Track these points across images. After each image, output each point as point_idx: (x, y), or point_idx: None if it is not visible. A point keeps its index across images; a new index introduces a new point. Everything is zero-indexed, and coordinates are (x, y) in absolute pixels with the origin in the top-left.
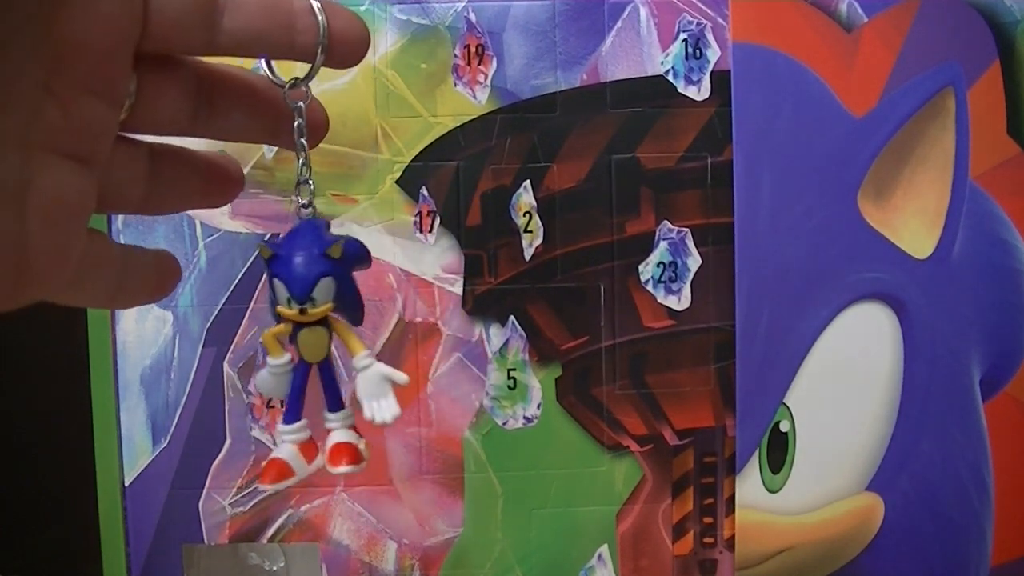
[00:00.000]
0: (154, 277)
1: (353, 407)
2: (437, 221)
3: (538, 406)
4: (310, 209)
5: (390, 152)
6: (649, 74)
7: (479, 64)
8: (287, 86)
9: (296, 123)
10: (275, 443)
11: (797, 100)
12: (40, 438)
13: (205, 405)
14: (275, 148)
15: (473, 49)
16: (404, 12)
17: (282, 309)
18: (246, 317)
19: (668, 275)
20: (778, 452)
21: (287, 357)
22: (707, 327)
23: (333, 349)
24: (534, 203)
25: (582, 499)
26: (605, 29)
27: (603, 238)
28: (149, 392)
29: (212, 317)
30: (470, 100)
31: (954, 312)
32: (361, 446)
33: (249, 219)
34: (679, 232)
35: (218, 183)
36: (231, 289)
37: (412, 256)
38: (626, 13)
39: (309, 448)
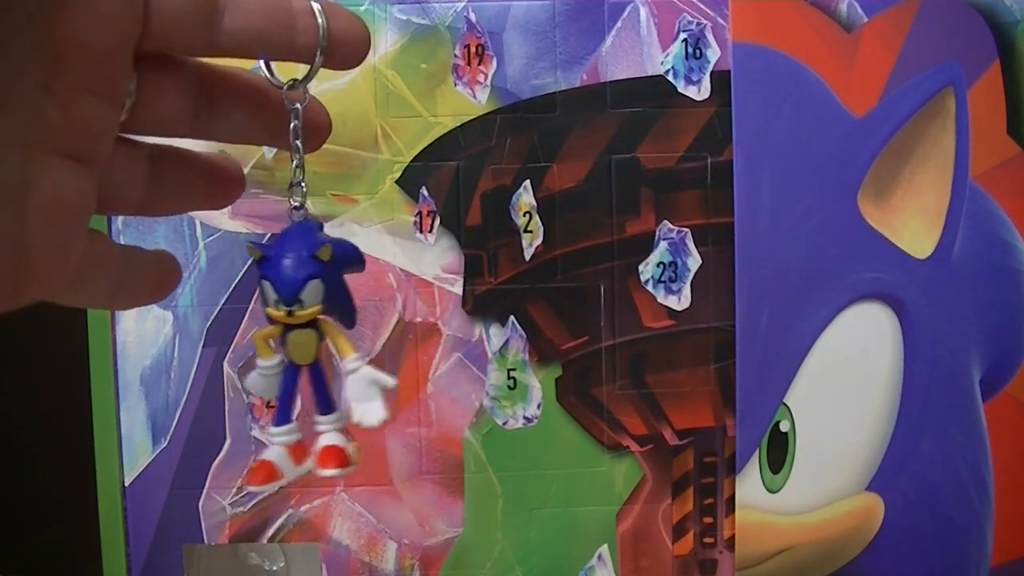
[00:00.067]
0: (155, 278)
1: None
2: (437, 221)
3: (538, 406)
4: (302, 211)
5: (390, 152)
6: (649, 74)
7: (479, 64)
8: (285, 87)
9: (292, 124)
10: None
11: (797, 100)
12: (40, 438)
13: (205, 405)
14: (275, 148)
15: (473, 49)
16: (404, 12)
17: (271, 311)
18: (246, 317)
19: (668, 275)
20: (778, 452)
21: (277, 359)
22: (707, 327)
23: (333, 351)
24: (534, 203)
25: (582, 499)
26: (605, 29)
27: (603, 238)
28: (149, 392)
29: (212, 317)
30: (470, 100)
31: (954, 312)
32: (350, 449)
33: (249, 219)
34: (679, 232)
35: (219, 184)
36: (231, 289)
37: (412, 256)
38: (626, 13)
39: (298, 450)
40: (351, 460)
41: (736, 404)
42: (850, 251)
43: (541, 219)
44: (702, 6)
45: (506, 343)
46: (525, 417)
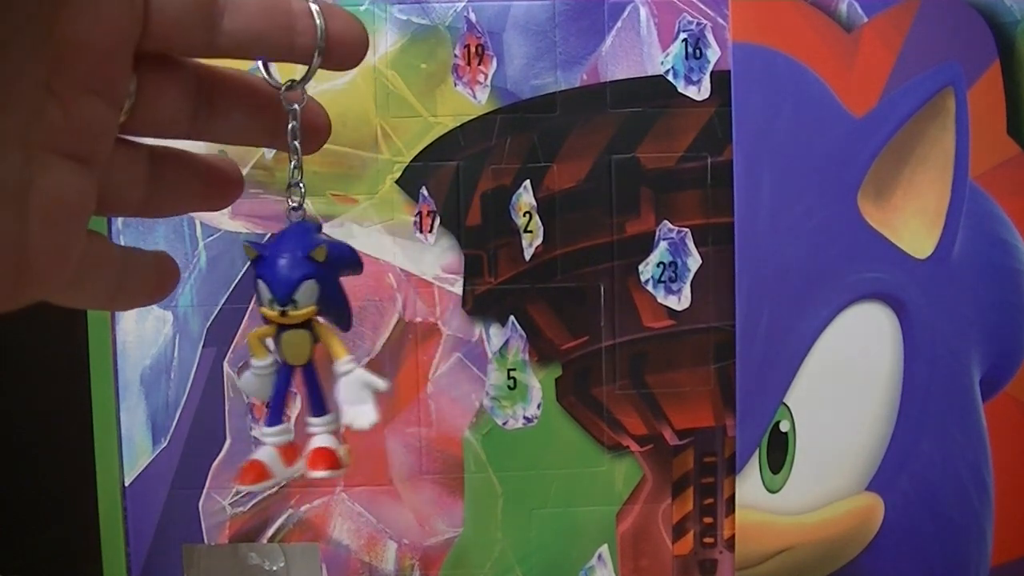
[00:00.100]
0: (153, 279)
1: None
2: (437, 221)
3: (538, 406)
4: (300, 211)
5: (390, 152)
6: (649, 74)
7: (479, 64)
8: (283, 88)
9: (290, 125)
10: None
11: (797, 100)
12: (40, 438)
13: (205, 405)
14: (275, 150)
15: (473, 49)
16: (404, 12)
17: (265, 310)
18: (246, 317)
19: (668, 275)
20: (778, 452)
21: (271, 359)
22: (707, 327)
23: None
24: (534, 203)
25: (582, 499)
26: (605, 29)
27: (603, 238)
28: (149, 392)
29: (212, 317)
30: (470, 100)
31: (954, 312)
32: (341, 452)
33: (249, 219)
34: (679, 232)
35: (218, 186)
36: (231, 289)
37: (412, 256)
38: (626, 13)
39: (290, 451)
40: (342, 462)
41: (736, 404)
42: (850, 251)
43: (541, 219)
44: (702, 6)
45: (506, 343)
46: (525, 417)
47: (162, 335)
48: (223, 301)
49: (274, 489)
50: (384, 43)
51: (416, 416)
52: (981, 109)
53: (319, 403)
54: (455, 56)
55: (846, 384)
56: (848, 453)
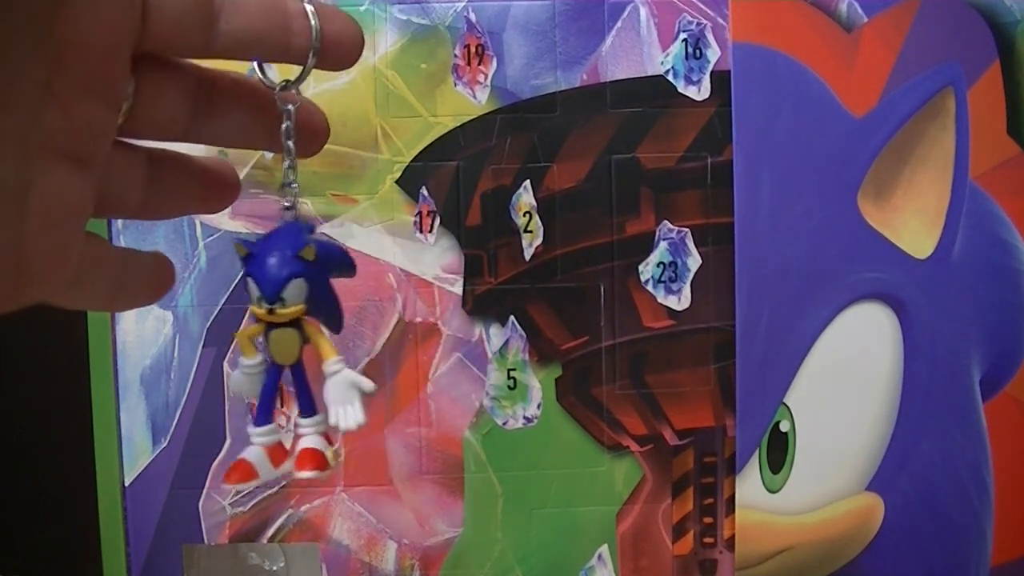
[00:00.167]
0: (151, 279)
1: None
2: (437, 221)
3: (538, 406)
4: (293, 211)
5: (390, 152)
6: (649, 74)
7: (479, 64)
8: (278, 88)
9: (284, 125)
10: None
11: (797, 100)
12: (40, 438)
13: (205, 405)
14: (273, 153)
15: (473, 49)
16: (404, 12)
17: (254, 308)
18: (246, 317)
19: (668, 275)
20: (778, 452)
21: (259, 358)
22: (707, 327)
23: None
24: (534, 203)
25: (582, 499)
26: (605, 29)
27: (603, 238)
28: (149, 392)
29: (212, 317)
30: (470, 100)
31: (954, 312)
32: (329, 453)
33: (249, 219)
34: (679, 232)
35: (215, 188)
36: (231, 289)
37: (412, 256)
38: (626, 13)
39: (277, 451)
40: (329, 463)
41: (736, 404)
42: (850, 251)
43: (541, 219)
44: (702, 6)
45: (506, 343)
46: (525, 417)
47: (162, 335)
48: (223, 301)
49: (274, 489)
50: (384, 43)
51: (416, 416)
52: (981, 109)
53: (308, 403)
54: (455, 56)
55: (846, 384)
56: (848, 453)
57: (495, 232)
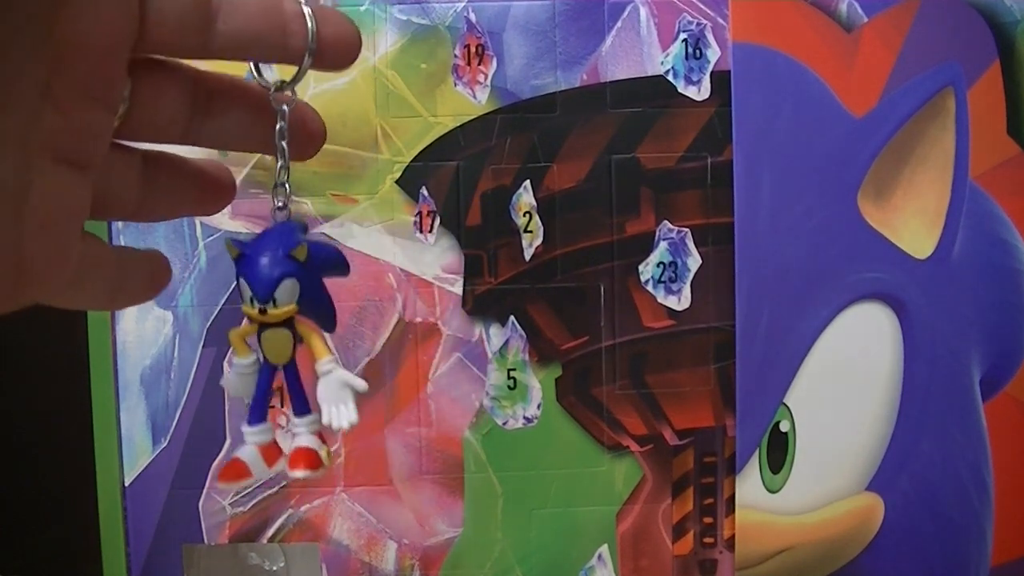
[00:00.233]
0: (147, 277)
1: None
2: (437, 221)
3: (538, 406)
4: (286, 211)
5: (390, 152)
6: (649, 74)
7: (479, 64)
8: (273, 88)
9: (278, 126)
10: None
11: (797, 100)
12: (40, 438)
13: (205, 405)
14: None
15: (473, 49)
16: (404, 12)
17: (246, 308)
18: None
19: (668, 275)
20: (778, 452)
21: (253, 357)
22: (707, 327)
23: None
24: (534, 203)
25: (582, 499)
26: (605, 29)
27: (603, 238)
28: (149, 392)
29: (212, 317)
30: (470, 100)
31: (954, 312)
32: (322, 453)
33: (249, 219)
34: (679, 232)
35: (211, 191)
36: (231, 289)
37: (412, 256)
38: (626, 13)
39: (271, 451)
40: (322, 463)
41: (736, 404)
42: (850, 251)
43: (541, 219)
44: (702, 6)
45: (506, 343)
46: (525, 417)
47: (162, 335)
48: (223, 301)
49: (274, 489)
50: (384, 43)
51: (416, 416)
52: (981, 109)
53: (301, 403)
54: (455, 56)
55: (846, 384)
56: (848, 453)
57: (495, 232)
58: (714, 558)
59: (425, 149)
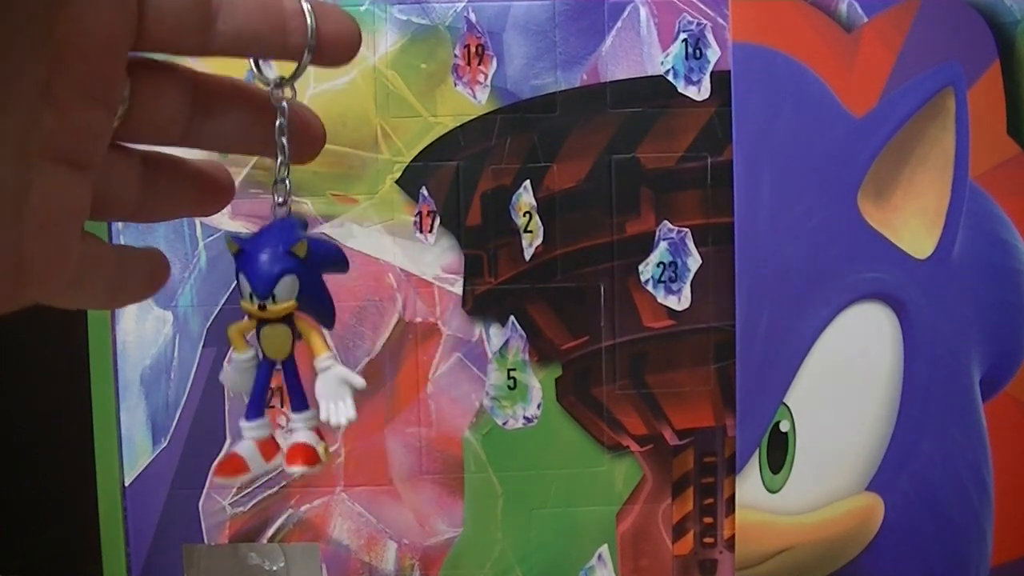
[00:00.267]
0: (146, 275)
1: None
2: (437, 221)
3: (538, 406)
4: (285, 207)
5: (390, 152)
6: (649, 74)
7: (479, 64)
8: (272, 84)
9: (278, 122)
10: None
11: (797, 100)
12: (40, 438)
13: (205, 405)
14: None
15: (473, 49)
16: (404, 12)
17: (245, 304)
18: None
19: (668, 275)
20: (778, 452)
21: (251, 353)
22: (707, 327)
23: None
24: (534, 203)
25: (582, 499)
26: (605, 29)
27: (603, 238)
28: (149, 392)
29: (212, 317)
30: (470, 100)
31: (954, 312)
32: (320, 448)
33: (249, 219)
34: (679, 232)
35: (210, 191)
36: (231, 289)
37: (412, 256)
38: (626, 13)
39: (269, 446)
40: (320, 458)
41: (736, 404)
42: (850, 251)
43: (541, 219)
44: (702, 6)
45: (506, 343)
46: (525, 417)
47: (162, 335)
48: (223, 301)
49: (274, 489)
50: (384, 43)
51: (416, 416)
52: (981, 109)
53: (299, 399)
54: (455, 56)
55: (846, 384)
56: (848, 453)
57: (495, 232)
58: (714, 558)
59: (425, 149)
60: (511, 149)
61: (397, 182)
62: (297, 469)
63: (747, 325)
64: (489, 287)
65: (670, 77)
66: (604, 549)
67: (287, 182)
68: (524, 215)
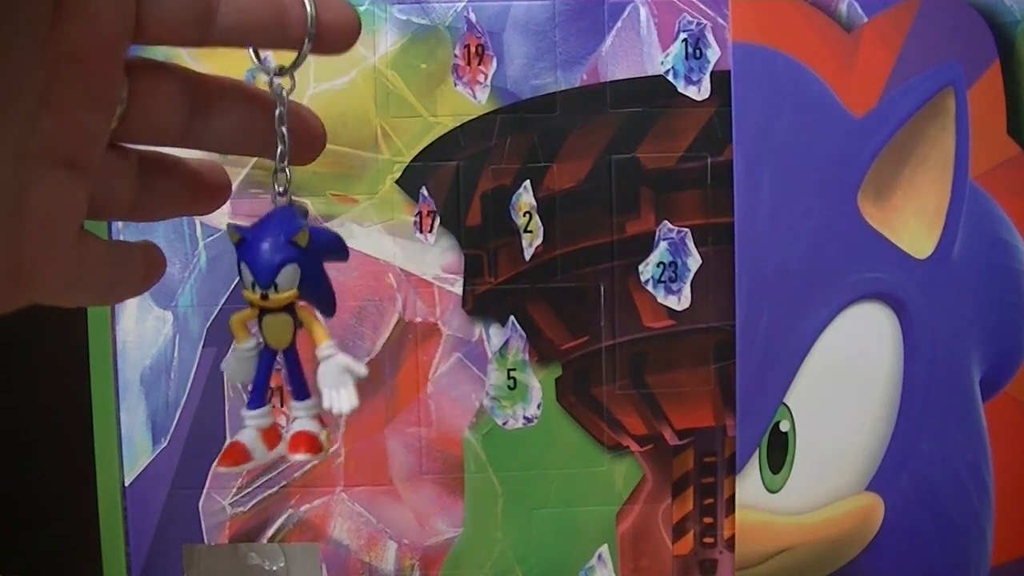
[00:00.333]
0: (142, 269)
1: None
2: (437, 221)
3: (538, 406)
4: (286, 197)
5: (390, 152)
6: (649, 74)
7: (479, 64)
8: (272, 74)
9: (277, 111)
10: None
11: (797, 100)
12: (40, 438)
13: (205, 405)
14: (269, 160)
15: (473, 49)
16: (404, 12)
17: (247, 293)
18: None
19: (668, 275)
20: (778, 452)
21: (253, 342)
22: (707, 327)
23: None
24: (534, 203)
25: (582, 499)
26: (605, 29)
27: (603, 238)
28: (149, 392)
29: (212, 317)
30: (470, 100)
31: (954, 312)
32: (322, 437)
33: (249, 219)
34: (679, 232)
35: (206, 191)
36: (231, 289)
37: (412, 256)
38: (626, 13)
39: (271, 434)
40: (322, 447)
41: (736, 404)
42: (850, 251)
43: (541, 219)
44: (702, 6)
45: (506, 343)
46: (525, 417)
47: (162, 335)
48: (223, 301)
49: (274, 489)
50: (384, 43)
51: (416, 416)
52: (981, 109)
53: (301, 387)
54: (455, 56)
55: (846, 384)
56: (848, 453)
57: (495, 232)
58: (714, 558)
59: (425, 149)
60: (511, 149)
61: (397, 182)
62: (299, 457)
63: (747, 325)
64: (489, 287)
65: (670, 77)
66: (604, 549)
67: (287, 171)
68: (524, 215)
